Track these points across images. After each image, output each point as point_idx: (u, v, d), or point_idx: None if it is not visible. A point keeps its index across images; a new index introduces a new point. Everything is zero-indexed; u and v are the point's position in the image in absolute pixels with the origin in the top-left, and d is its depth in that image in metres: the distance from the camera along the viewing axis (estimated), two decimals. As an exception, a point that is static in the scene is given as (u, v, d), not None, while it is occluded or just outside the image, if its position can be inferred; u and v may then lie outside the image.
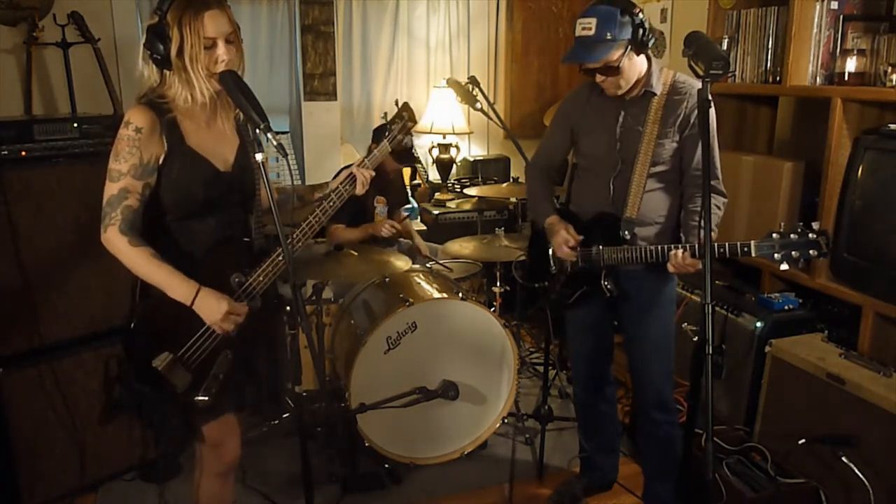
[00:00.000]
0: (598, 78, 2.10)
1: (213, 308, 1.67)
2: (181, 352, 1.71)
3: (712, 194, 2.12)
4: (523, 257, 2.63)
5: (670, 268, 2.01)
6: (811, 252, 1.80)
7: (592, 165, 2.28)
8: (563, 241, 2.22)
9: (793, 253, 1.81)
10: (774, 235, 1.83)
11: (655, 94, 2.13)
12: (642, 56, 2.09)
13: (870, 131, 2.50)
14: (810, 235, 1.80)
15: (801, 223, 1.83)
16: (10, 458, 2.43)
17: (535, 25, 4.65)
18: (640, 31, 2.00)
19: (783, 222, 1.87)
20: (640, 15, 2.02)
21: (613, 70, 2.04)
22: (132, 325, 1.72)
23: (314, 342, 2.32)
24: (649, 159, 2.13)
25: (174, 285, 1.67)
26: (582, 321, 2.42)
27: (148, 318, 1.74)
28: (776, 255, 1.82)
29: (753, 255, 1.85)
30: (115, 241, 1.65)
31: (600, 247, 2.18)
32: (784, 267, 1.82)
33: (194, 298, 1.66)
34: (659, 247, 2.05)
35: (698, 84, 2.08)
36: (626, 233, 2.16)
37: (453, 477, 2.80)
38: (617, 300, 2.26)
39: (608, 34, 1.98)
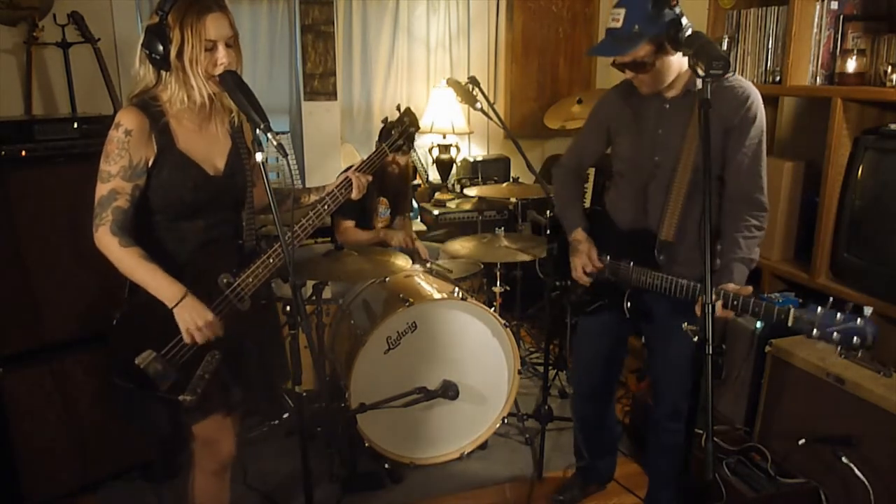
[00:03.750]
0: (628, 74, 1.95)
1: (191, 316, 1.68)
2: (165, 350, 1.72)
3: (756, 212, 1.96)
4: (543, 255, 2.53)
5: (698, 310, 1.78)
6: (854, 340, 1.55)
7: (626, 170, 2.14)
8: (582, 265, 2.11)
9: (834, 335, 1.58)
10: (819, 310, 1.60)
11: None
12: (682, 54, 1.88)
13: (870, 131, 2.50)
14: (858, 321, 1.55)
15: (852, 304, 1.59)
16: (10, 458, 2.43)
17: (535, 25, 4.65)
18: (675, 26, 1.80)
19: (832, 298, 1.62)
20: (678, 9, 1.82)
21: (642, 66, 1.88)
22: (114, 321, 1.73)
23: (314, 342, 2.32)
24: (690, 167, 1.94)
25: (161, 286, 1.68)
26: (595, 329, 2.32)
27: (133, 316, 1.75)
28: (814, 332, 1.59)
29: (790, 324, 1.64)
30: (106, 241, 1.67)
31: (631, 264, 2.05)
32: (820, 345, 1.64)
33: (178, 302, 1.67)
34: (690, 284, 1.88)
35: (747, 83, 1.91)
36: (662, 257, 2.00)
37: (453, 477, 2.80)
38: (640, 318, 2.16)
39: (637, 26, 1.81)
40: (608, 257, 2.13)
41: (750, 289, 1.83)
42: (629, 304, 2.10)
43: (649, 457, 2.52)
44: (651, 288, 2.00)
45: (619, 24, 1.86)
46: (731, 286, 1.83)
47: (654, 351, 2.30)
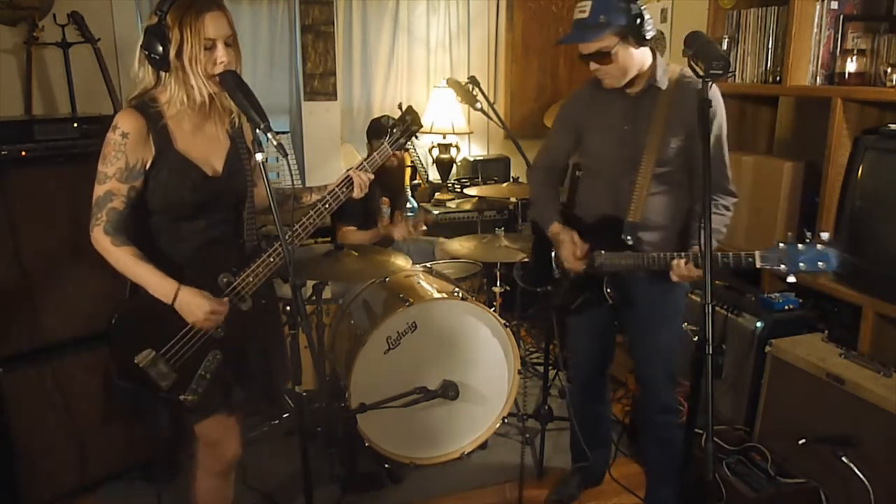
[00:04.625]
0: (592, 66, 2.03)
1: (193, 306, 1.68)
2: (164, 350, 1.72)
3: (724, 196, 2.09)
4: (525, 259, 2.61)
5: (673, 277, 1.95)
6: (819, 265, 1.68)
7: (597, 166, 2.22)
8: (571, 253, 2.16)
9: (800, 264, 1.70)
10: (781, 245, 1.72)
11: (661, 89, 2.06)
12: (645, 50, 2.03)
13: (870, 131, 2.50)
14: (818, 247, 1.68)
15: (811, 233, 1.72)
16: (10, 458, 2.43)
17: (535, 25, 4.65)
18: (638, 20, 1.94)
19: (790, 232, 1.75)
20: (640, 4, 1.95)
21: (606, 57, 1.98)
22: (112, 321, 1.73)
23: (314, 342, 2.32)
24: (654, 159, 2.06)
25: (155, 284, 1.68)
26: (584, 325, 2.40)
27: (132, 316, 1.75)
28: (782, 267, 1.71)
29: (758, 265, 1.76)
30: (100, 240, 1.68)
31: (602, 253, 2.13)
32: (791, 279, 1.71)
33: (175, 297, 1.67)
34: (661, 254, 1.99)
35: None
36: (629, 237, 2.10)
37: (453, 477, 2.80)
38: (621, 306, 2.21)
39: (602, 17, 1.93)
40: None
41: (714, 244, 1.92)
42: (609, 290, 2.16)
43: (645, 454, 2.53)
44: (625, 269, 2.10)
45: (585, 15, 1.96)
46: (696, 248, 1.94)
47: (635, 341, 2.34)
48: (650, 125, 2.06)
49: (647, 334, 2.26)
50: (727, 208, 2.10)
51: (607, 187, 2.18)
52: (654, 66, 2.07)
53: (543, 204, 2.35)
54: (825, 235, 1.69)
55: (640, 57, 2.03)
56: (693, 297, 3.02)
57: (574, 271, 2.21)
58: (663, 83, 2.06)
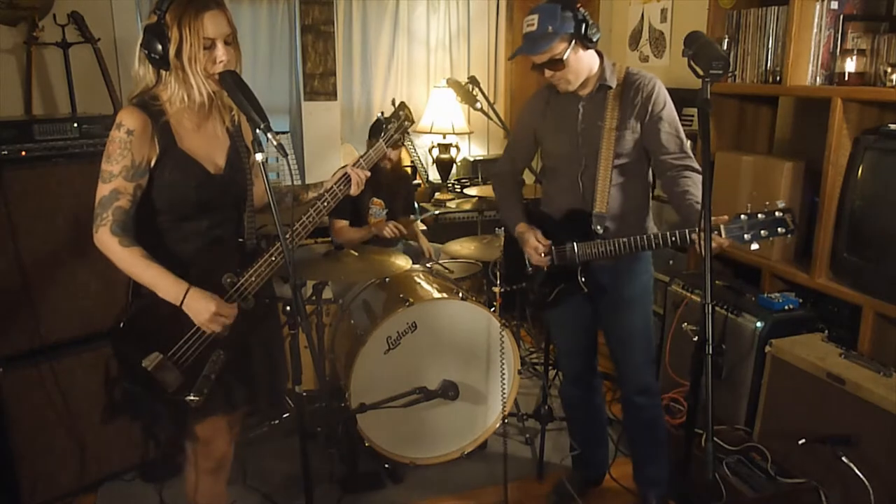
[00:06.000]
0: (547, 73, 2.13)
1: (201, 308, 1.67)
2: (171, 352, 1.72)
3: (691, 173, 2.13)
4: (499, 260, 2.66)
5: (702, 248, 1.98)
6: (779, 230, 1.81)
7: (559, 165, 2.31)
8: (534, 249, 2.26)
9: (762, 232, 1.81)
10: (743, 217, 1.83)
11: (611, 88, 2.17)
12: (592, 52, 2.14)
13: (870, 131, 2.50)
14: (777, 214, 1.81)
15: (767, 202, 1.84)
16: (10, 457, 2.43)
17: (535, 25, 4.65)
18: (583, 25, 2.06)
19: (749, 203, 1.88)
20: (583, 11, 2.08)
21: (559, 63, 2.08)
22: (120, 324, 1.73)
23: (314, 342, 2.32)
24: (612, 152, 2.17)
25: (164, 285, 1.67)
26: (563, 318, 2.45)
27: (138, 318, 1.74)
28: (746, 237, 1.82)
29: (723, 236, 1.85)
30: (106, 241, 1.66)
31: (574, 244, 2.21)
32: (754, 247, 1.82)
33: (183, 299, 1.67)
34: (630, 239, 2.08)
35: (650, 74, 2.19)
36: (599, 227, 2.18)
37: (453, 477, 2.81)
38: (595, 295, 2.29)
39: (549, 27, 2.04)
40: (552, 246, 2.26)
41: (726, 217, 1.97)
42: (583, 278, 2.24)
43: (629, 437, 2.53)
44: (597, 257, 2.18)
45: (534, 28, 2.08)
46: (723, 217, 1.97)
47: (608, 327, 2.39)
48: (604, 122, 2.18)
49: (618, 317, 2.34)
50: (698, 185, 2.16)
51: (571, 183, 2.26)
52: (602, 67, 2.18)
53: (509, 206, 2.44)
54: (781, 203, 1.82)
55: (589, 60, 2.15)
56: (693, 296, 3.02)
57: (539, 266, 2.29)
58: (612, 82, 2.18)
